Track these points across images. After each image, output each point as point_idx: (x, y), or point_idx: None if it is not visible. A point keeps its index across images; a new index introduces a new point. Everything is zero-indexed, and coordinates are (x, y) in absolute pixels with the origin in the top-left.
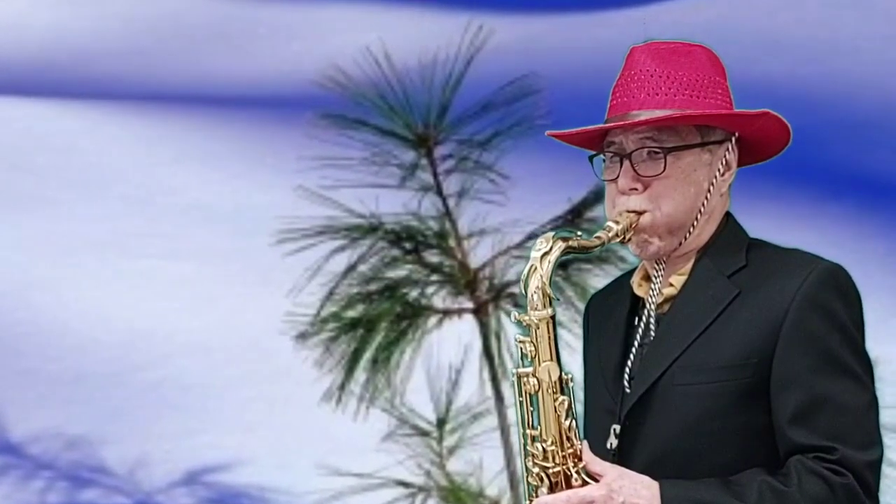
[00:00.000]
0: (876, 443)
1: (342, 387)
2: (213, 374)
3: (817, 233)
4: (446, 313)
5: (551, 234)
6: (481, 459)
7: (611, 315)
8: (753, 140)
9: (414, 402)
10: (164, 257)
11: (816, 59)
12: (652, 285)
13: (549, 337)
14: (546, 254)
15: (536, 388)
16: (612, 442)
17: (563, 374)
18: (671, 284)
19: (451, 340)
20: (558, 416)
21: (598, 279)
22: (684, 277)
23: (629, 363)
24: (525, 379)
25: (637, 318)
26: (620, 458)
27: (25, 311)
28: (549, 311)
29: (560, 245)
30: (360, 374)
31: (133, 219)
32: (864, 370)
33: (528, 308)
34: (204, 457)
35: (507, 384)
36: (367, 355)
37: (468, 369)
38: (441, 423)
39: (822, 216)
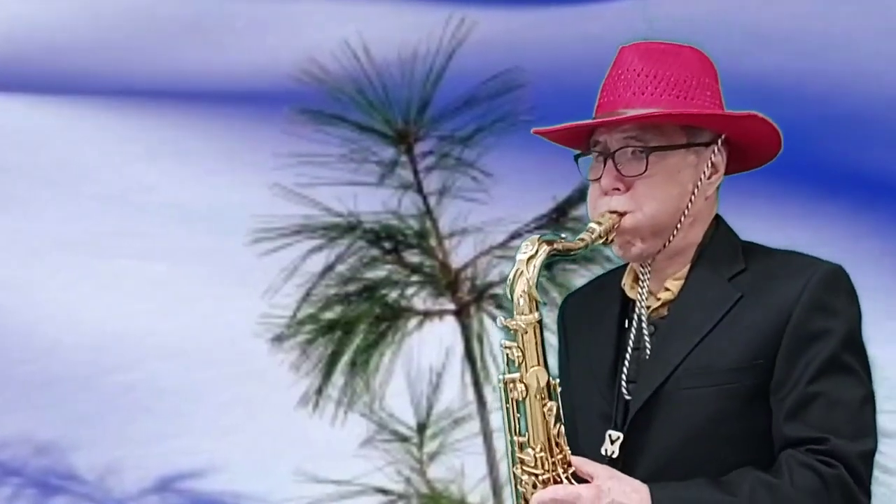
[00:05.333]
0: (869, 434)
1: (320, 391)
2: (187, 377)
3: (811, 232)
4: (427, 315)
5: (536, 237)
6: (463, 465)
7: (598, 316)
8: (743, 144)
9: (393, 406)
10: (137, 257)
11: (809, 53)
12: (640, 287)
13: (537, 342)
14: (532, 257)
15: (524, 394)
16: (609, 448)
17: (550, 379)
18: (668, 289)
19: (432, 343)
20: (547, 422)
21: (584, 280)
22: (681, 282)
23: (625, 368)
24: (512, 385)
25: (628, 321)
26: (623, 465)
27: None
28: (536, 315)
29: (545, 248)
30: (338, 378)
31: (105, 218)
32: (862, 367)
33: (515, 313)
34: (177, 462)
35: (490, 388)
36: (346, 358)
37: (449, 372)
38: (421, 428)
39: (816, 215)
